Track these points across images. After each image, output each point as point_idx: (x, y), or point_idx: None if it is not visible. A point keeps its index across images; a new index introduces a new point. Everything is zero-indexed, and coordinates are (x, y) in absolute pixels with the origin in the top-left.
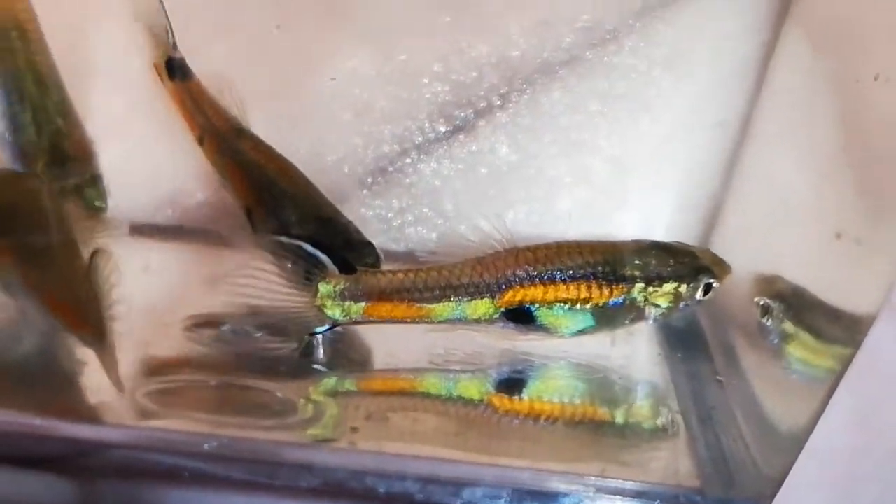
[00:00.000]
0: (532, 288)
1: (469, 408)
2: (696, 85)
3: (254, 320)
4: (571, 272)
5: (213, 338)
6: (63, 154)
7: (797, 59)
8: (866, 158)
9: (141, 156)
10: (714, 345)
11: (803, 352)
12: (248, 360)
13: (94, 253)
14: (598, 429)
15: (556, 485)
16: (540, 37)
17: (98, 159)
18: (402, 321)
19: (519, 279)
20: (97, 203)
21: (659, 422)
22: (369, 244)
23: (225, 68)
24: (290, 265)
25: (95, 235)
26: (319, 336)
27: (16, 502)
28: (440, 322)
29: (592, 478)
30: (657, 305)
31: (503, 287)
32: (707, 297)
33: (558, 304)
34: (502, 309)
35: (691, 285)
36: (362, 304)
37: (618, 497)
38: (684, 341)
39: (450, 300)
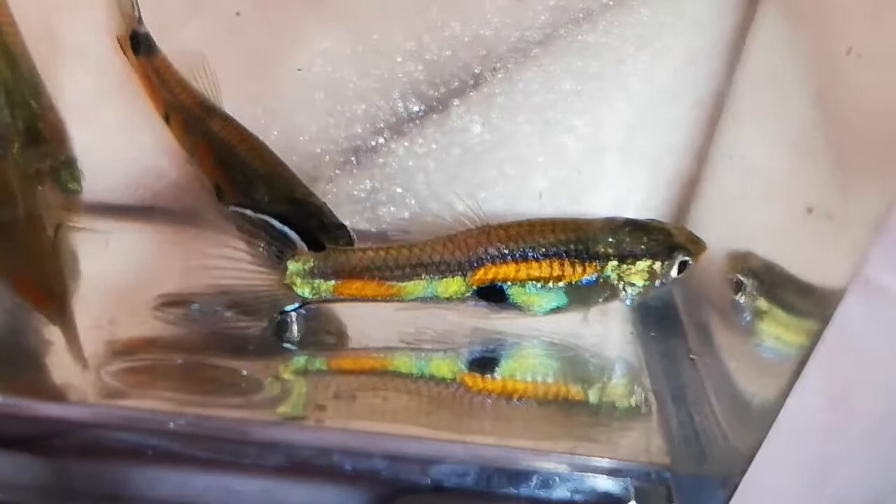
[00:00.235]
0: (504, 266)
1: (439, 386)
2: (672, 63)
3: (223, 299)
4: (544, 250)
5: (181, 317)
6: (38, 137)
7: (772, 35)
8: (838, 133)
9: (110, 136)
10: (688, 323)
11: (776, 328)
12: (217, 338)
13: (58, 229)
14: (569, 407)
15: (525, 462)
16: (514, 15)
17: (71, 142)
18: (373, 299)
19: (491, 257)
20: (72, 186)
21: (631, 400)
22: (342, 226)
23: (196, 46)
24: (259, 243)
25: (70, 217)
26: (293, 314)
27: None
28: (411, 300)
29: (562, 455)
30: (632, 283)
31: (475, 265)
32: (682, 274)
33: (531, 282)
34: (474, 287)
35: (666, 263)
36: (332, 282)
37: (588, 474)
38: (658, 319)
39: (421, 278)
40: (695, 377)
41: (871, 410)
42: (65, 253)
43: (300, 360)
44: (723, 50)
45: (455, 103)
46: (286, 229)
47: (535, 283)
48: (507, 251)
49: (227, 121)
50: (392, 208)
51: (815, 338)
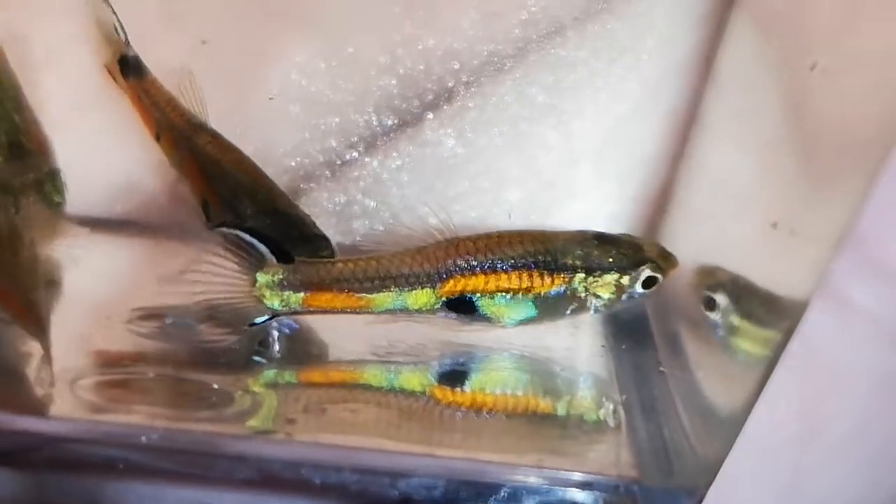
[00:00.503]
0: (473, 277)
1: (410, 399)
2: (643, 76)
3: (196, 313)
4: (512, 261)
5: (156, 331)
6: (21, 150)
7: (742, 50)
8: (803, 147)
9: (87, 151)
10: (658, 335)
11: (744, 341)
12: (190, 352)
13: (34, 242)
14: (539, 420)
15: (494, 475)
16: (487, 29)
17: (54, 155)
18: (343, 311)
19: (459, 269)
20: (56, 198)
21: (600, 413)
22: (324, 238)
23: (173, 59)
24: (230, 255)
25: (54, 230)
26: (275, 332)
27: None
28: (381, 312)
29: (530, 468)
30: (598, 296)
31: (444, 276)
32: (651, 289)
33: (500, 294)
34: (443, 299)
35: (633, 276)
36: (301, 294)
37: (557, 487)
38: (629, 332)
39: (390, 290)
40: (664, 390)
41: (842, 421)
42: (45, 265)
43: (271, 374)
44: (694, 64)
45: (429, 117)
46: (255, 241)
47: (503, 294)
48: (475, 263)
49: (214, 136)
50: (366, 221)
51: (778, 350)
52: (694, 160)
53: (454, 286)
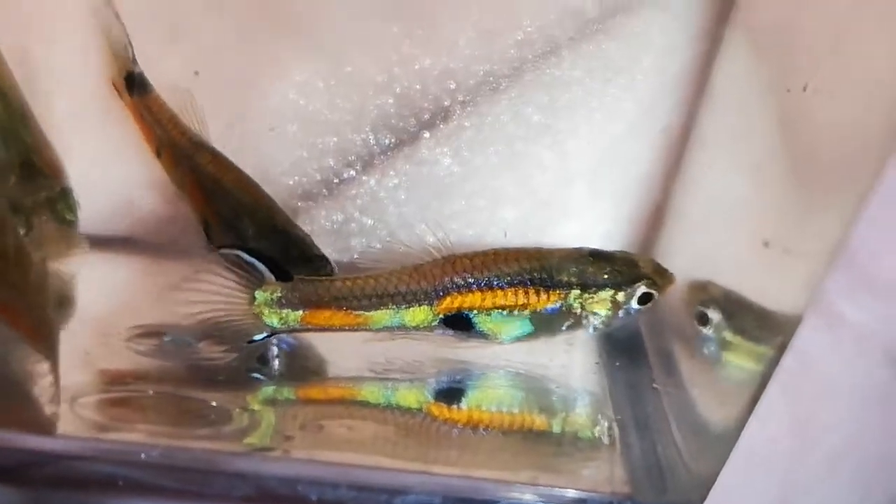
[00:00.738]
0: (469, 294)
1: (406, 416)
2: (638, 96)
3: (195, 330)
4: (508, 278)
5: (155, 348)
6: (33, 169)
7: (736, 68)
8: (795, 166)
9: (92, 168)
10: (652, 352)
11: (737, 358)
12: (189, 370)
13: (45, 261)
14: (534, 437)
15: (489, 492)
16: (483, 49)
17: (66, 174)
18: (341, 329)
19: (456, 286)
20: (68, 216)
21: (594, 430)
22: (324, 258)
23: (175, 78)
24: (229, 273)
25: (67, 248)
26: (274, 349)
27: None
28: (379, 330)
29: (525, 486)
30: (595, 313)
31: (441, 294)
32: (647, 306)
33: (496, 311)
34: (440, 316)
35: (628, 293)
36: (300, 312)
37: None
38: (623, 349)
39: (388, 307)
40: (658, 406)
41: (833, 436)
42: (57, 284)
43: (268, 391)
44: (688, 83)
45: (425, 136)
46: (254, 260)
47: (500, 311)
48: (472, 280)
49: (215, 155)
50: (363, 239)
51: (771, 365)
52: (688, 178)
53: (451, 303)
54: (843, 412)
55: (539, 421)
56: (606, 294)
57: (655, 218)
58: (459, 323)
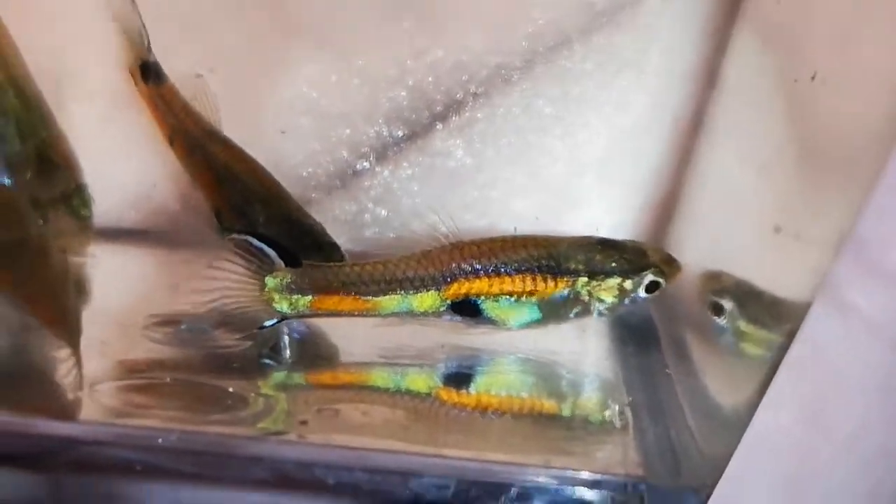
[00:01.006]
0: (477, 281)
1: (417, 401)
2: (648, 87)
3: (209, 318)
4: (516, 265)
5: (170, 337)
6: (49, 164)
7: (745, 59)
8: (804, 154)
9: (102, 163)
10: (665, 338)
11: (748, 345)
12: (204, 357)
13: (65, 250)
14: (548, 421)
15: (502, 475)
16: (495, 42)
17: (81, 169)
18: (350, 314)
19: (464, 272)
20: (83, 211)
21: (607, 414)
22: (335, 245)
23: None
24: (239, 260)
25: (82, 242)
26: (286, 336)
27: None
28: (387, 315)
29: (539, 468)
30: (602, 300)
31: (448, 280)
32: (654, 294)
33: (504, 297)
34: (448, 301)
35: (636, 281)
36: (309, 298)
37: (565, 486)
38: (635, 336)
39: (396, 293)
40: (671, 392)
41: (845, 426)
42: (75, 274)
43: (283, 377)
44: (698, 74)
45: (438, 128)
46: (263, 246)
47: (508, 297)
48: (479, 266)
49: (227, 144)
50: (377, 230)
51: (780, 352)
52: (699, 168)
53: (459, 289)
54: (854, 400)
55: (554, 405)
56: (614, 282)
57: (666, 208)
58: (467, 309)
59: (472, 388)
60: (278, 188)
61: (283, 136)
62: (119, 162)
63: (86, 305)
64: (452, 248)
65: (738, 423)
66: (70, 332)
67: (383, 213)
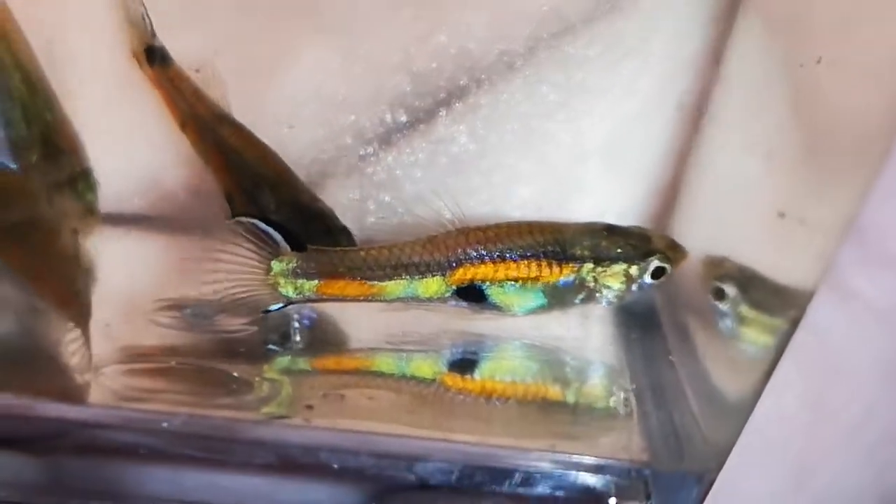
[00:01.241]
0: (482, 266)
1: (422, 386)
2: (653, 73)
3: (215, 302)
4: (521, 251)
5: (176, 321)
6: (54, 148)
7: (750, 44)
8: (809, 139)
9: (111, 146)
10: (667, 324)
11: (751, 331)
12: (210, 341)
13: (76, 232)
14: (553, 407)
15: (507, 460)
16: (498, 28)
17: (86, 153)
18: (355, 299)
19: (469, 257)
20: (88, 196)
21: (611, 400)
22: (346, 229)
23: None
24: (245, 244)
25: (87, 227)
26: (295, 323)
27: None
28: (392, 300)
29: (544, 453)
30: (608, 286)
31: (454, 265)
32: (660, 280)
33: (509, 283)
34: (453, 287)
35: (642, 267)
36: (315, 282)
37: (570, 471)
38: (639, 322)
39: (401, 278)
40: (674, 378)
41: (849, 412)
42: (82, 258)
43: (289, 361)
44: (703, 60)
45: (441, 114)
46: (270, 230)
47: (513, 283)
48: (485, 252)
49: (238, 128)
50: (381, 215)
51: (784, 338)
52: (702, 154)
53: (464, 274)
54: (858, 387)
55: (556, 391)
56: (619, 268)
57: (671, 194)
58: (472, 294)
59: (477, 374)
60: (289, 173)
61: (286, 123)
62: (127, 145)
63: (92, 289)
64: (458, 234)
65: (741, 409)
66: (79, 314)
67: (387, 198)
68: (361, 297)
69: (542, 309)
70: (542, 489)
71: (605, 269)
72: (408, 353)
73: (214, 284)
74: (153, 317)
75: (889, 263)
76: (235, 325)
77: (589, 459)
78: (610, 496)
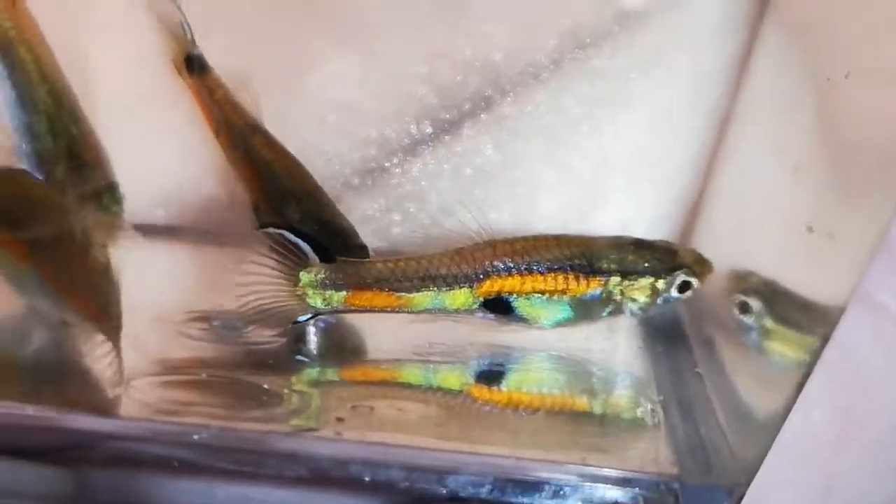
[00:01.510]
0: (510, 278)
1: (450, 397)
2: (677, 86)
3: (243, 314)
4: (549, 264)
5: (205, 333)
6: (80, 161)
7: (774, 58)
8: (837, 154)
9: (137, 157)
10: (694, 338)
11: (779, 346)
12: (238, 353)
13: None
14: (581, 419)
15: (538, 473)
16: (523, 41)
17: (111, 166)
18: (383, 310)
19: (497, 270)
20: (114, 208)
21: (639, 412)
22: (364, 247)
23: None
24: (274, 255)
25: (112, 239)
26: (312, 330)
27: (8, 493)
28: (420, 312)
29: (574, 466)
30: (634, 299)
31: (481, 277)
32: (686, 294)
33: (536, 295)
34: (481, 299)
35: (668, 281)
36: (343, 293)
37: (599, 484)
38: (665, 335)
39: (429, 290)
40: (701, 390)
41: (876, 427)
42: (112, 271)
43: (317, 373)
44: (727, 73)
45: (466, 126)
46: (299, 241)
47: (540, 295)
48: (512, 264)
49: (268, 138)
50: (406, 227)
51: (815, 355)
52: (729, 167)
53: (491, 286)
54: (887, 403)
55: (586, 403)
56: (646, 281)
57: (695, 207)
58: (499, 306)
59: (504, 385)
60: (315, 187)
61: (311, 134)
62: (154, 156)
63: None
64: (485, 246)
65: (770, 423)
66: (110, 326)
67: (412, 210)
68: (389, 309)
69: (569, 322)
70: (571, 502)
71: (631, 282)
72: (435, 365)
73: (243, 295)
74: (182, 328)
75: None
76: (264, 336)
77: (618, 472)
78: None
